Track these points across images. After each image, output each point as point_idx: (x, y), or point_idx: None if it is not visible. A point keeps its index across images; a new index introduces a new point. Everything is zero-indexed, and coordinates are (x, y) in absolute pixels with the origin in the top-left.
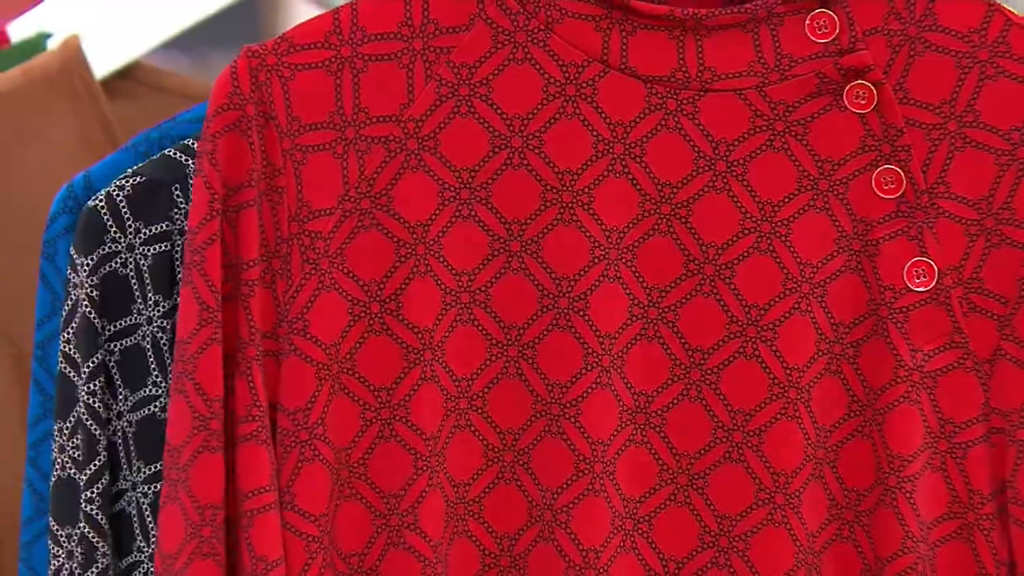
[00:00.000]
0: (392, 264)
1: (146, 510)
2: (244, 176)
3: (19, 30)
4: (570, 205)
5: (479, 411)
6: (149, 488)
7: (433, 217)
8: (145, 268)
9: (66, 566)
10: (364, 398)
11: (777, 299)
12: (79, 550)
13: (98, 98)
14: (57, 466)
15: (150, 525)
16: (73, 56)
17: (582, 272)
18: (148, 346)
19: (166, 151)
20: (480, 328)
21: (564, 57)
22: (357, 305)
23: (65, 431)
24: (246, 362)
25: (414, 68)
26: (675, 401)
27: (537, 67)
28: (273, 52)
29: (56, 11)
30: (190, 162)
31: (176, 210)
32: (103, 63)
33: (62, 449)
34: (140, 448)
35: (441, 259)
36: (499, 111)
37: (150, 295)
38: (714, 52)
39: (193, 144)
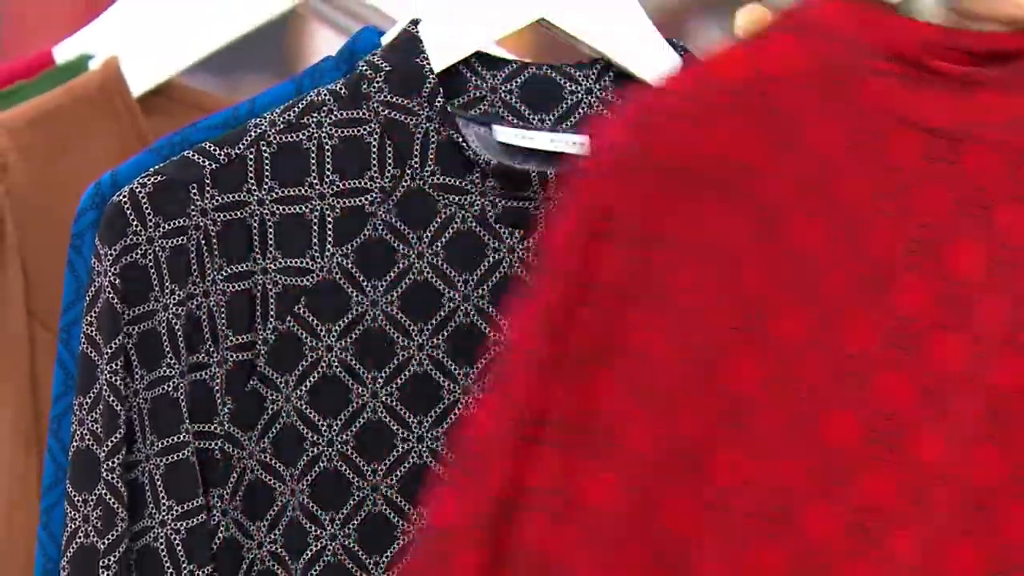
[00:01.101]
0: None
1: (157, 480)
2: None
3: (63, 52)
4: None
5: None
6: (161, 460)
7: None
8: (163, 259)
9: (82, 528)
10: None
11: None
12: (95, 515)
13: (136, 115)
14: (76, 437)
15: (160, 494)
16: (112, 76)
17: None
18: (163, 331)
19: (185, 153)
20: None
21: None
22: None
23: (85, 405)
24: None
25: None
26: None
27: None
28: None
29: (97, 35)
30: (207, 163)
31: (192, 207)
32: (139, 82)
33: (81, 422)
34: (153, 423)
35: None
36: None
37: (167, 284)
38: (984, 107)
39: (210, 147)
